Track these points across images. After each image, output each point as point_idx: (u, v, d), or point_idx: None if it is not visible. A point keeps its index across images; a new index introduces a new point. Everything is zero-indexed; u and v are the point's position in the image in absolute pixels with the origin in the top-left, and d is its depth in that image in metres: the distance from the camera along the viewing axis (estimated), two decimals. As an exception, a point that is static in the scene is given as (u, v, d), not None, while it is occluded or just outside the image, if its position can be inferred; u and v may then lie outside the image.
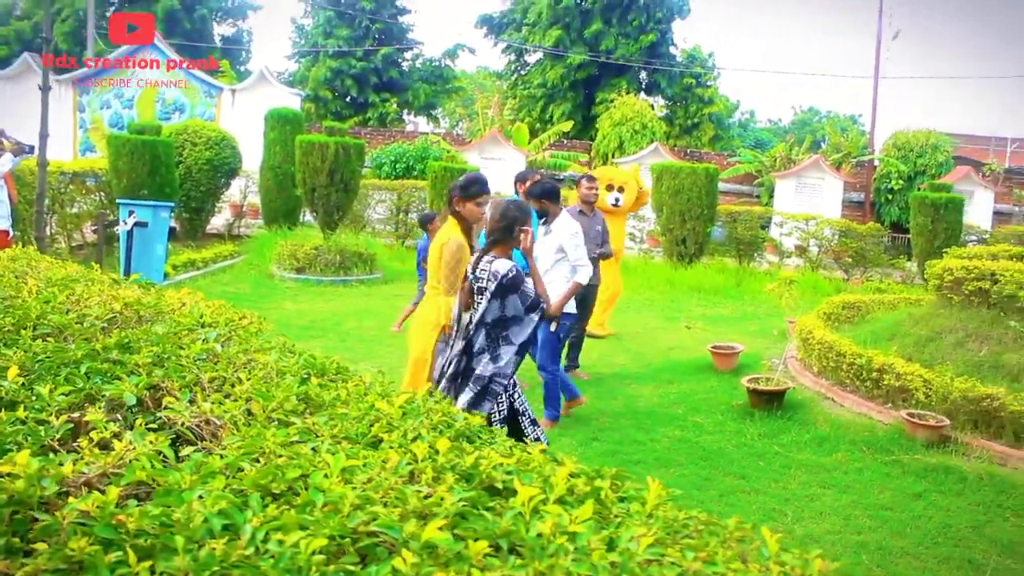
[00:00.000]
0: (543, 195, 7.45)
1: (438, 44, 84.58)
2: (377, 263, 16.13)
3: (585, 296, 9.25)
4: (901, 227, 25.07)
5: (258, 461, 1.63)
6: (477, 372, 5.14)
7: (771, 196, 25.48)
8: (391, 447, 1.74)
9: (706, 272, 17.65)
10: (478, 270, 5.17)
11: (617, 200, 11.53)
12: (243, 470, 1.59)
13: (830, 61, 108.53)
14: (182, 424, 1.91)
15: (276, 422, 1.91)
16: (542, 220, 7.47)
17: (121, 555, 1.26)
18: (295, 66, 39.24)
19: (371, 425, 1.89)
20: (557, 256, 7.38)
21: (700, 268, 18.01)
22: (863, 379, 8.94)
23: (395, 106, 36.75)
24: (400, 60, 38.06)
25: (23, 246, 9.02)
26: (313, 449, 1.67)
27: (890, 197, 26.73)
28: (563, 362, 9.50)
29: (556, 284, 7.36)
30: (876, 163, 27.58)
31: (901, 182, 26.19)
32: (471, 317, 5.18)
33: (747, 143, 41.57)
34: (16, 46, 34.17)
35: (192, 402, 1.98)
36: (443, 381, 5.17)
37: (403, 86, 37.21)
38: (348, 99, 36.52)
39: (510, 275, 5.07)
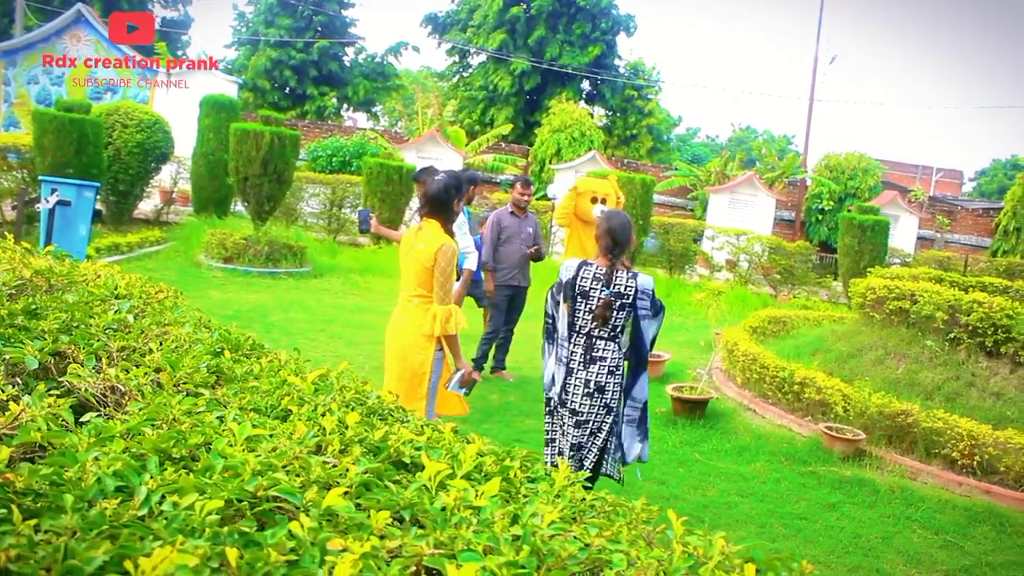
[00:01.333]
0: (421, 175, 7.46)
1: (382, 40, 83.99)
2: (307, 257, 15.94)
3: (514, 297, 9.29)
4: (829, 247, 25.60)
5: (161, 428, 1.58)
6: (635, 394, 5.24)
7: (705, 210, 25.80)
8: (299, 420, 1.70)
9: (638, 282, 17.74)
10: (615, 284, 5.00)
11: (598, 211, 11.58)
12: (141, 434, 1.54)
13: (770, 82, 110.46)
14: (85, 390, 1.84)
15: (184, 393, 1.86)
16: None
17: (4, 513, 1.20)
18: (234, 54, 38.70)
19: (281, 399, 1.85)
20: None
21: (631, 277, 18.12)
22: (785, 392, 9.08)
23: (334, 100, 36.45)
24: (341, 54, 37.73)
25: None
26: (219, 418, 1.62)
27: (820, 217, 27.27)
28: (489, 362, 9.52)
29: None
30: (808, 183, 28.10)
31: (831, 203, 26.74)
32: (609, 333, 5.09)
33: (685, 157, 42.07)
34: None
35: (98, 370, 1.91)
36: (580, 398, 5.08)
37: (343, 80, 36.90)
38: (287, 90, 36.10)
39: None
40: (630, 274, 5.06)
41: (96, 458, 1.35)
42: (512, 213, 9.29)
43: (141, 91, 24.23)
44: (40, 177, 12.58)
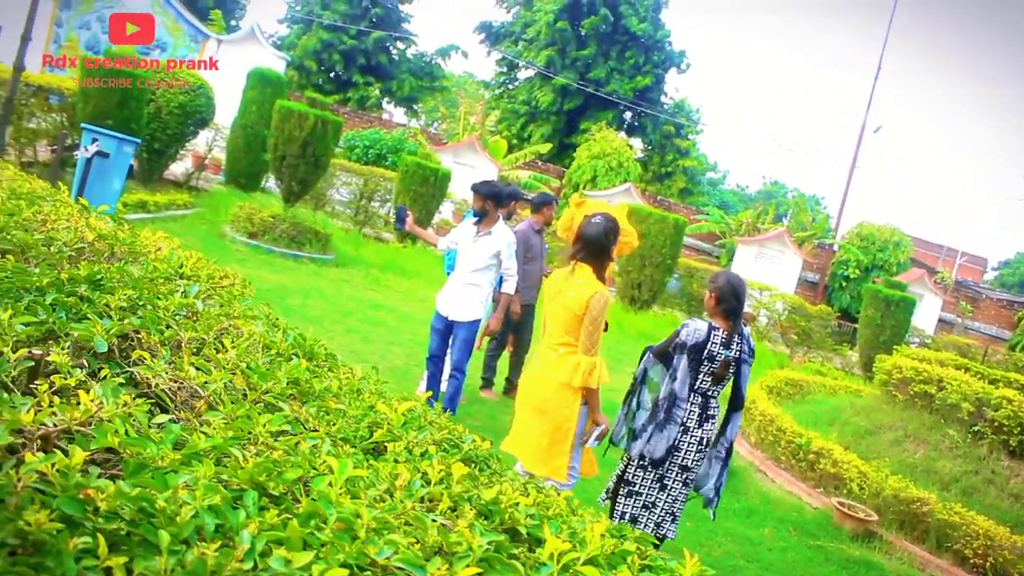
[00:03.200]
0: (491, 196, 7.27)
1: (432, 40, 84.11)
2: (331, 244, 15.78)
3: (524, 316, 9.08)
4: (849, 315, 25.39)
5: (246, 448, 1.40)
6: (728, 434, 5.12)
7: (730, 259, 25.61)
8: (397, 460, 1.52)
9: (656, 321, 17.59)
10: (734, 344, 4.91)
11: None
12: (228, 455, 1.36)
13: (807, 140, 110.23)
14: (157, 386, 1.66)
15: (262, 403, 1.68)
16: (476, 220, 7.30)
17: (89, 542, 1.02)
18: (286, 31, 38.68)
19: (371, 429, 1.67)
20: (490, 261, 7.24)
21: (651, 315, 17.96)
22: (799, 459, 8.89)
23: (377, 92, 36.38)
24: (391, 47, 37.69)
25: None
26: (313, 447, 1.44)
27: (844, 284, 27.06)
28: (502, 382, 9.34)
29: (480, 288, 7.30)
30: (836, 248, 27.90)
31: (857, 271, 26.54)
32: (719, 390, 5.03)
33: (713, 202, 41.92)
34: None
35: (171, 363, 1.73)
36: (693, 454, 4.97)
37: (389, 73, 36.86)
38: (332, 74, 36.06)
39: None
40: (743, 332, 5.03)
41: (186, 483, 1.17)
42: (537, 231, 9.15)
43: (190, 53, 24.14)
44: (83, 125, 12.43)
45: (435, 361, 7.47)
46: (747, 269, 23.92)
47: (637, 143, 36.93)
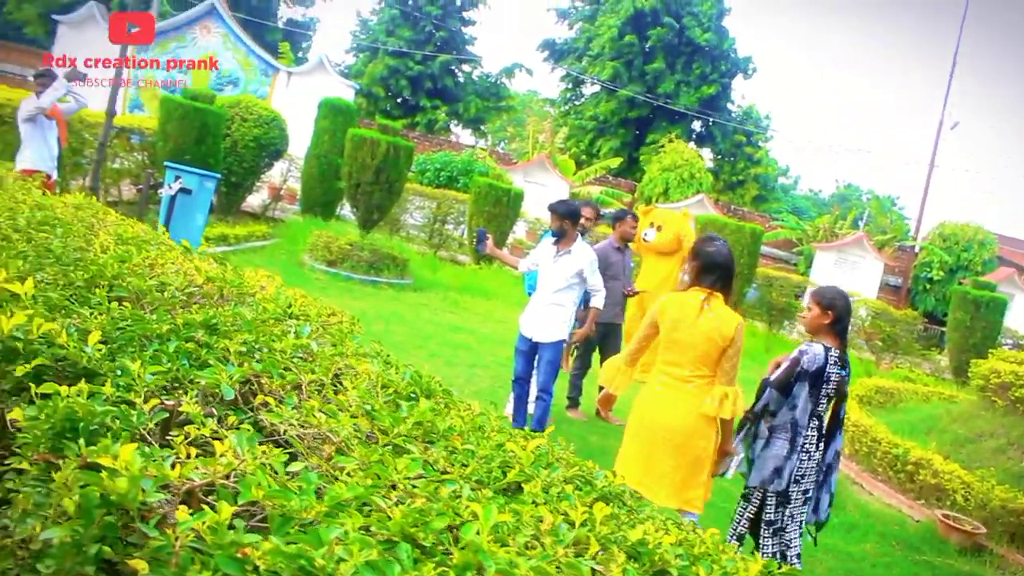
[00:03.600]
0: (568, 215, 7.23)
1: (496, 60, 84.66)
2: (409, 269, 15.89)
3: (608, 334, 8.99)
4: (935, 318, 24.78)
5: (387, 497, 1.38)
6: (838, 447, 5.05)
7: (809, 266, 25.19)
8: (535, 502, 1.49)
9: (737, 332, 17.34)
10: (836, 371, 4.82)
11: (646, 235, 11.36)
12: (369, 504, 1.35)
13: (880, 141, 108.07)
14: (285, 432, 1.66)
15: (390, 447, 1.67)
16: (555, 240, 7.25)
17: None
18: (352, 59, 39.29)
19: (503, 469, 1.64)
20: (571, 280, 7.19)
21: (731, 327, 17.73)
22: (897, 471, 8.66)
23: (444, 115, 36.70)
24: (456, 70, 38.01)
25: (62, 194, 8.84)
26: (453, 492, 1.41)
27: (928, 286, 26.42)
28: (592, 403, 9.25)
29: (564, 308, 7.25)
30: (918, 250, 27.27)
31: (942, 273, 25.90)
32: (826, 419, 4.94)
33: (786, 208, 41.36)
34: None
35: (296, 408, 1.73)
36: (811, 478, 4.88)
37: (455, 96, 37.16)
38: (400, 100, 36.49)
39: None
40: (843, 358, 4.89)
41: (338, 538, 1.16)
42: (617, 248, 9.07)
43: (261, 86, 24.63)
44: (165, 163, 12.74)
45: (521, 383, 7.45)
46: (826, 276, 23.49)
47: (707, 153, 36.62)
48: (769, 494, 4.87)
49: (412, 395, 2.05)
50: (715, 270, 4.79)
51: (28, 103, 9.57)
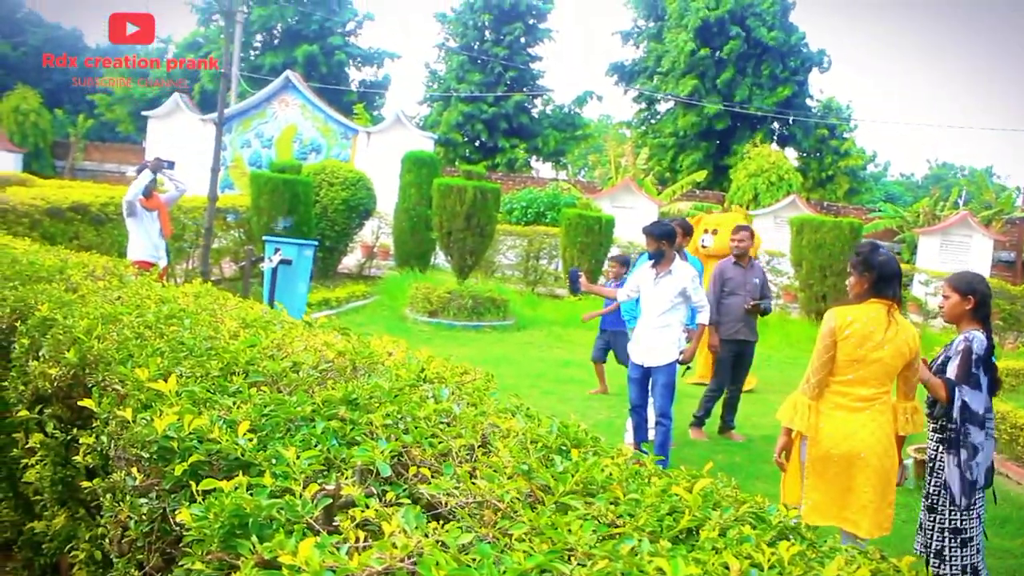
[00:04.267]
0: (664, 236, 7.15)
1: (567, 91, 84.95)
2: (510, 309, 15.92)
3: (741, 353, 8.84)
4: (1056, 289, 23.76)
5: (568, 562, 1.35)
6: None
7: (913, 253, 24.45)
8: (715, 548, 1.44)
9: (849, 330, 16.90)
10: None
11: (703, 241, 11.14)
12: (548, 572, 1.32)
13: (967, 115, 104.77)
14: (445, 503, 1.65)
15: (554, 505, 1.64)
16: (653, 263, 7.16)
17: None
18: (427, 110, 39.89)
19: (673, 516, 1.60)
20: (675, 300, 7.09)
21: (842, 326, 17.28)
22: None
23: (523, 152, 36.95)
24: (530, 106, 38.28)
25: (170, 280, 9.13)
26: (632, 549, 1.37)
27: (1044, 257, 25.46)
28: (716, 422, 9.07)
29: (672, 328, 7.16)
30: (1030, 221, 26.33)
31: (1057, 242, 24.94)
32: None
33: (879, 197, 40.35)
34: (167, 87, 35.68)
35: (454, 476, 1.72)
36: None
37: (532, 132, 37.39)
38: (478, 143, 36.87)
39: None
40: None
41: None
42: (736, 263, 8.90)
43: (343, 150, 25.15)
44: (264, 237, 13.08)
45: (638, 411, 7.38)
46: (933, 261, 22.74)
47: (792, 153, 36.01)
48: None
49: (562, 447, 2.01)
50: (894, 278, 4.55)
51: (125, 198, 9.95)
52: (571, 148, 40.85)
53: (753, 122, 34.12)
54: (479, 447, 1.98)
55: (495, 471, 1.75)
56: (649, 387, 7.28)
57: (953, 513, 4.66)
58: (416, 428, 1.98)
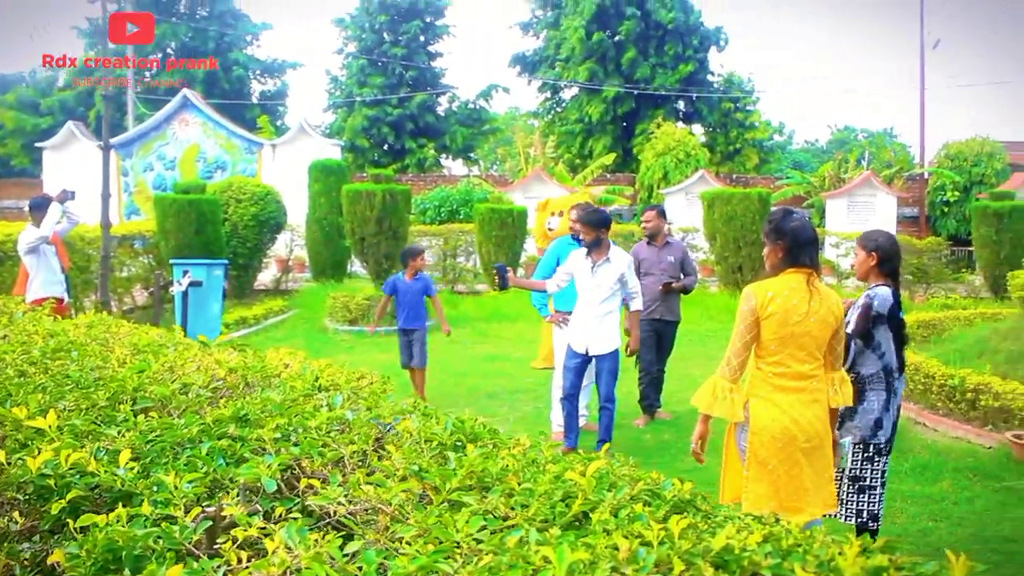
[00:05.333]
0: (601, 224, 7.15)
1: (471, 86, 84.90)
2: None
3: (660, 332, 8.87)
4: (960, 240, 24.57)
5: (454, 559, 1.31)
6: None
7: (822, 217, 24.99)
8: (607, 530, 1.42)
9: (768, 298, 17.21)
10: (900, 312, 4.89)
11: (549, 223, 11.13)
12: (436, 573, 1.28)
13: (864, 78, 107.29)
14: (335, 513, 1.60)
15: (445, 504, 1.60)
16: (588, 251, 7.16)
17: None
18: (332, 117, 39.49)
19: (566, 502, 1.57)
20: (615, 287, 7.14)
21: (760, 295, 17.58)
22: (956, 401, 8.49)
23: (433, 151, 36.83)
24: (435, 105, 38.17)
25: (76, 314, 8.86)
26: (520, 539, 1.34)
27: (946, 210, 26.25)
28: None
29: (614, 315, 7.23)
30: (927, 176, 27.06)
31: (957, 193, 25.75)
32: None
33: (787, 165, 41.15)
34: (60, 116, 34.74)
35: (343, 484, 1.67)
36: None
37: (440, 130, 37.30)
38: (386, 147, 36.62)
39: None
40: None
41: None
42: (649, 244, 8.95)
43: (249, 165, 24.75)
44: (171, 261, 12.82)
45: (572, 400, 7.37)
46: (841, 222, 23.27)
47: (698, 129, 36.49)
48: (857, 449, 4.76)
49: (458, 444, 1.98)
50: (809, 244, 4.21)
51: (27, 234, 9.56)
52: (480, 143, 40.82)
53: (657, 102, 34.49)
54: (372, 451, 1.93)
55: (386, 474, 1.70)
56: (595, 374, 7.39)
57: (855, 463, 4.78)
58: (306, 439, 1.92)
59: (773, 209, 4.76)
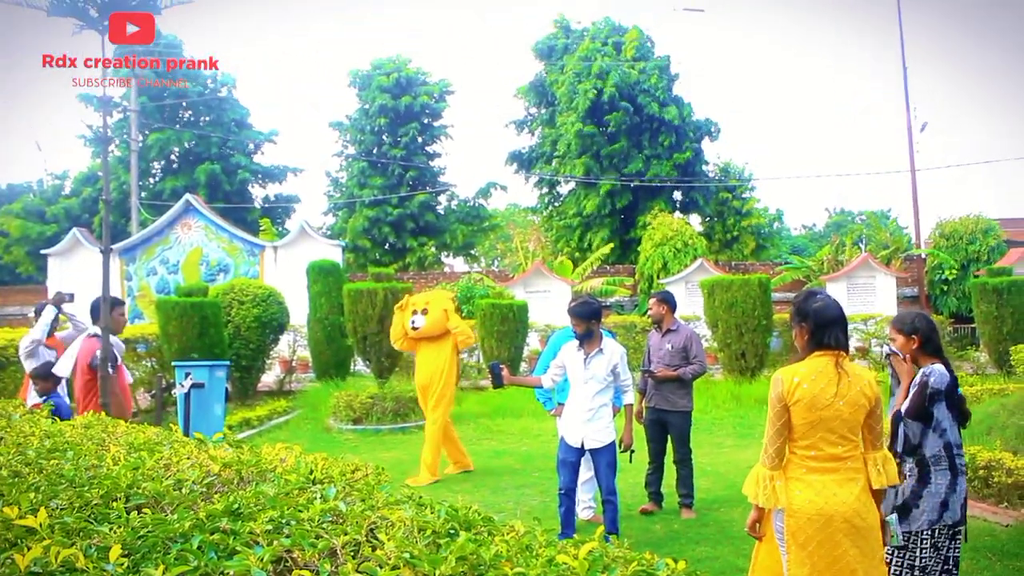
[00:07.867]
0: (592, 316, 7.14)
1: (470, 184, 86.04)
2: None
3: (667, 423, 8.70)
4: (961, 317, 24.62)
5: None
6: None
7: (823, 300, 25.07)
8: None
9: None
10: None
11: (414, 322, 10.92)
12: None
13: (858, 161, 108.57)
14: (327, 603, 1.58)
15: (440, 589, 1.58)
16: (580, 343, 7.14)
17: None
18: (333, 219, 39.90)
19: (559, 584, 1.55)
20: (608, 379, 7.11)
21: (764, 381, 17.47)
22: (969, 479, 8.37)
23: (433, 249, 37.10)
24: (435, 204, 38.59)
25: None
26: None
27: (945, 288, 26.36)
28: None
29: (609, 407, 7.18)
30: (924, 256, 27.23)
31: (955, 271, 25.87)
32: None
33: (785, 251, 41.42)
34: (65, 223, 35.16)
35: (334, 575, 1.65)
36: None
37: (440, 228, 37.64)
38: (387, 246, 36.91)
39: None
40: None
41: None
42: (657, 331, 8.94)
43: (251, 267, 24.95)
44: (173, 363, 12.82)
45: (570, 495, 7.25)
46: (842, 304, 23.17)
47: (696, 219, 36.81)
48: (924, 536, 4.65)
49: (451, 531, 1.95)
50: (834, 324, 4.18)
51: (26, 339, 9.60)
52: (480, 240, 41.16)
53: (653, 193, 34.87)
54: (366, 542, 1.91)
55: (378, 564, 1.68)
56: (593, 469, 7.27)
57: (922, 551, 4.66)
58: (298, 530, 1.90)
59: (801, 291, 4.72)
